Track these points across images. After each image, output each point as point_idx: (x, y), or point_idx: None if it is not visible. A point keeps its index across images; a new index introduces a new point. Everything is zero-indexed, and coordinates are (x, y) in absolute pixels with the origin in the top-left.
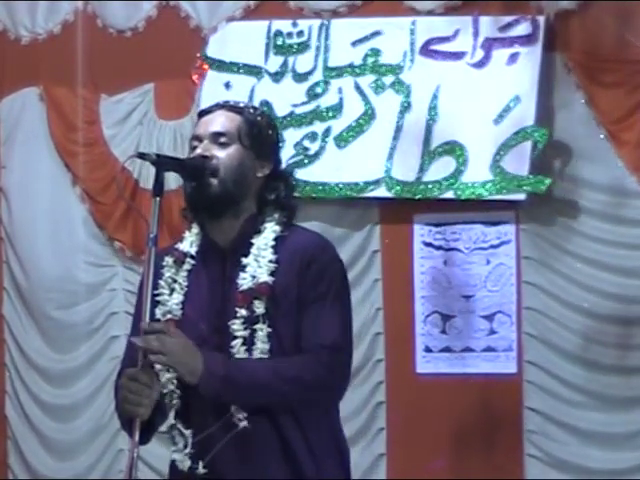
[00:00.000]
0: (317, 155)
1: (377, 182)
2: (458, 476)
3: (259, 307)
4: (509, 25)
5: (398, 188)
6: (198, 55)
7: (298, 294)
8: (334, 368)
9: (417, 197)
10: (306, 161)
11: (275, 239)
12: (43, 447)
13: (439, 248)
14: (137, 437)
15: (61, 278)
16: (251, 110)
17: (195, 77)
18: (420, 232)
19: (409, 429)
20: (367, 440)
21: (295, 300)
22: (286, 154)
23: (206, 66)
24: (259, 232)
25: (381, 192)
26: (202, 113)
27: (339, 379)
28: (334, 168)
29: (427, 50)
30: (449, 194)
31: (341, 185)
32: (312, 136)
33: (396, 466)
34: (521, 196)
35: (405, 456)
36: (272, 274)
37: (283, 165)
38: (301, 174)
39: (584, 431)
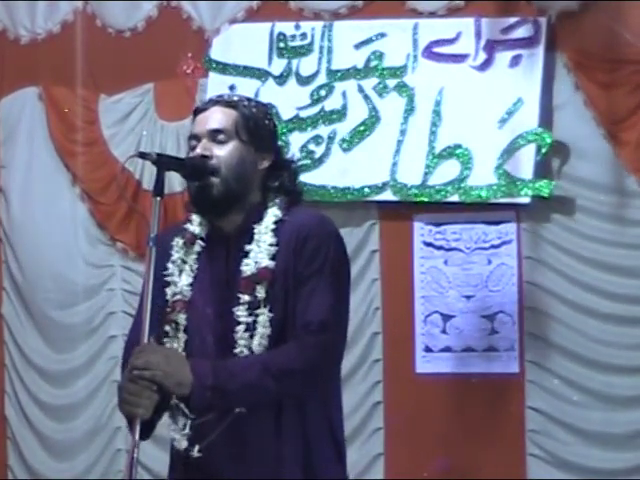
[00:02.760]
0: (323, 159)
1: (383, 186)
2: (460, 476)
3: (260, 292)
4: (511, 27)
5: (404, 192)
6: (190, 55)
7: (294, 272)
8: (320, 348)
9: (423, 201)
10: (312, 165)
11: (276, 222)
12: (42, 447)
13: (440, 248)
14: (137, 437)
15: (60, 278)
16: (245, 103)
17: (190, 81)
18: (420, 232)
19: (409, 429)
20: (365, 440)
21: (293, 278)
22: None
23: (196, 68)
24: (262, 219)
25: (387, 195)
26: (197, 110)
27: (326, 358)
28: (340, 172)
29: (430, 52)
30: (454, 198)
31: (347, 189)
32: (317, 139)
33: (394, 466)
34: (526, 200)
35: (403, 456)
36: (273, 258)
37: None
38: (307, 178)
39: (586, 431)
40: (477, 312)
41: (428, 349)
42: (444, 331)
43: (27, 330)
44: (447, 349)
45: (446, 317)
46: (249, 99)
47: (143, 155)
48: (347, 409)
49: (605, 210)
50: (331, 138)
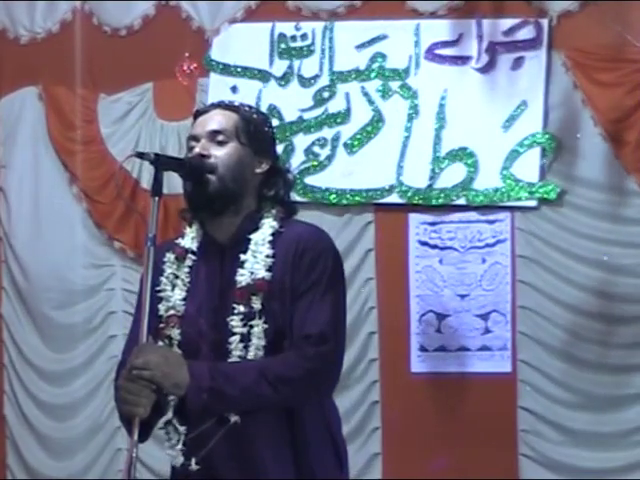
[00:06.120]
0: (327, 161)
1: (389, 189)
2: (452, 475)
3: (256, 303)
4: (513, 29)
5: (410, 195)
6: (187, 54)
7: (291, 285)
8: (319, 359)
9: (431, 204)
10: (317, 167)
11: (272, 234)
12: (41, 446)
13: (434, 247)
14: (136, 437)
15: (59, 277)
16: (246, 108)
17: (186, 82)
18: (415, 231)
19: (404, 428)
20: (362, 439)
21: (290, 291)
22: (296, 160)
23: (195, 67)
24: (257, 228)
25: (393, 198)
26: (198, 113)
27: (325, 370)
28: (345, 174)
29: (432, 54)
30: (461, 201)
31: (353, 192)
32: (322, 142)
33: (391, 465)
34: (532, 203)
35: (400, 455)
36: (269, 269)
37: (290, 168)
38: (312, 180)
39: (576, 430)
40: (471, 311)
41: (423, 348)
42: (439, 330)
43: (26, 329)
44: (442, 348)
45: (441, 316)
46: (250, 106)
47: (141, 155)
48: (345, 409)
49: (600, 208)
50: (335, 140)
